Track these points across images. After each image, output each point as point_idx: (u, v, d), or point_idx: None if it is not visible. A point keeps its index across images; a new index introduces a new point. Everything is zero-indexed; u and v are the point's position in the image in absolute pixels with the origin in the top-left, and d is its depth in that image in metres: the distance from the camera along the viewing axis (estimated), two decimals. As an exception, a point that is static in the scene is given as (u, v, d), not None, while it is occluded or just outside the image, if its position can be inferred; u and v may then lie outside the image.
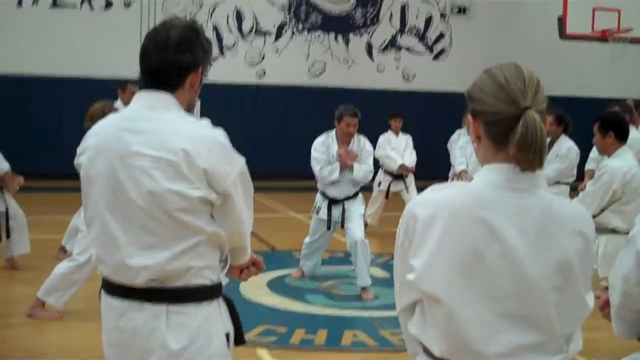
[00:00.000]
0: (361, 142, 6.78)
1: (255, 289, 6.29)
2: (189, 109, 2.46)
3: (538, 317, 1.72)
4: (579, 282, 1.76)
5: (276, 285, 6.73)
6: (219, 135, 2.38)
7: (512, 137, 1.71)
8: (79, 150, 2.50)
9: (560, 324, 1.74)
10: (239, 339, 2.54)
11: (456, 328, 1.71)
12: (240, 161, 2.42)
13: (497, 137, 1.77)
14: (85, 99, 6.53)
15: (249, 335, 2.67)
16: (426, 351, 1.81)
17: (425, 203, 1.79)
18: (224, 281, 2.51)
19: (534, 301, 1.71)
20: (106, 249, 2.40)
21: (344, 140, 6.70)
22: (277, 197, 11.50)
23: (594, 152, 7.99)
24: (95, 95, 6.28)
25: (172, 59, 2.37)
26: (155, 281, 2.34)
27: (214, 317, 2.42)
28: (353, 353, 5.15)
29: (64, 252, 7.01)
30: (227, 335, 2.47)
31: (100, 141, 2.41)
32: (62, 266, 5.57)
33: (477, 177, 1.81)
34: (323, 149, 6.70)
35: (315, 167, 6.68)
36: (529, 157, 1.71)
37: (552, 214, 1.75)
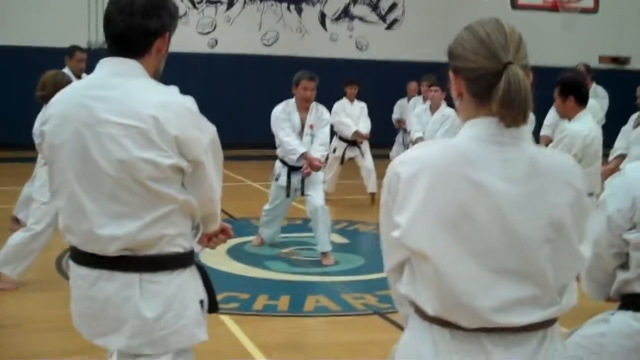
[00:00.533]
0: (319, 111, 6.77)
1: (216, 257, 6.22)
2: (155, 75, 2.40)
3: (531, 271, 1.69)
4: (571, 233, 1.73)
5: (236, 253, 6.71)
6: (188, 101, 2.33)
7: (495, 94, 1.66)
8: (41, 118, 2.43)
9: (554, 277, 1.71)
10: (213, 306, 2.52)
11: (447, 285, 1.68)
12: (211, 128, 2.38)
13: (479, 94, 1.72)
14: (33, 69, 6.37)
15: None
16: (418, 311, 1.79)
17: (408, 161, 1.76)
18: (197, 249, 2.50)
19: (526, 255, 1.69)
20: (74, 218, 2.35)
21: (303, 107, 6.67)
22: (234, 166, 11.41)
23: (548, 119, 8.13)
24: (45, 65, 6.10)
25: (138, 24, 2.31)
26: (127, 250, 2.31)
27: (187, 284, 2.40)
28: (316, 318, 5.19)
29: (17, 223, 6.87)
30: (202, 303, 2.45)
31: (65, 109, 2.33)
32: (17, 236, 5.46)
33: (460, 133, 1.77)
34: (284, 116, 6.68)
35: (280, 133, 6.62)
36: (513, 113, 1.66)
37: (538, 166, 1.72)
